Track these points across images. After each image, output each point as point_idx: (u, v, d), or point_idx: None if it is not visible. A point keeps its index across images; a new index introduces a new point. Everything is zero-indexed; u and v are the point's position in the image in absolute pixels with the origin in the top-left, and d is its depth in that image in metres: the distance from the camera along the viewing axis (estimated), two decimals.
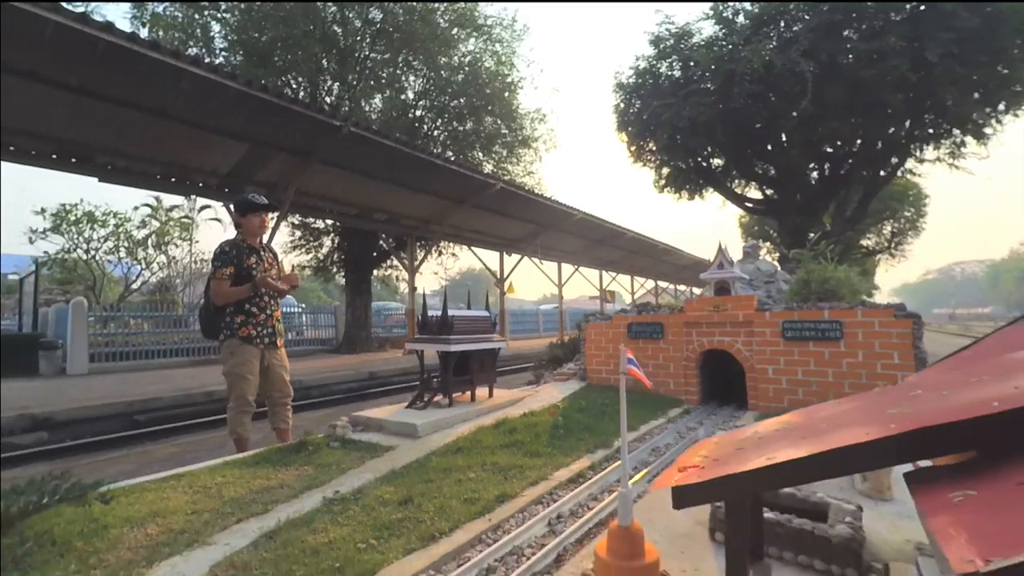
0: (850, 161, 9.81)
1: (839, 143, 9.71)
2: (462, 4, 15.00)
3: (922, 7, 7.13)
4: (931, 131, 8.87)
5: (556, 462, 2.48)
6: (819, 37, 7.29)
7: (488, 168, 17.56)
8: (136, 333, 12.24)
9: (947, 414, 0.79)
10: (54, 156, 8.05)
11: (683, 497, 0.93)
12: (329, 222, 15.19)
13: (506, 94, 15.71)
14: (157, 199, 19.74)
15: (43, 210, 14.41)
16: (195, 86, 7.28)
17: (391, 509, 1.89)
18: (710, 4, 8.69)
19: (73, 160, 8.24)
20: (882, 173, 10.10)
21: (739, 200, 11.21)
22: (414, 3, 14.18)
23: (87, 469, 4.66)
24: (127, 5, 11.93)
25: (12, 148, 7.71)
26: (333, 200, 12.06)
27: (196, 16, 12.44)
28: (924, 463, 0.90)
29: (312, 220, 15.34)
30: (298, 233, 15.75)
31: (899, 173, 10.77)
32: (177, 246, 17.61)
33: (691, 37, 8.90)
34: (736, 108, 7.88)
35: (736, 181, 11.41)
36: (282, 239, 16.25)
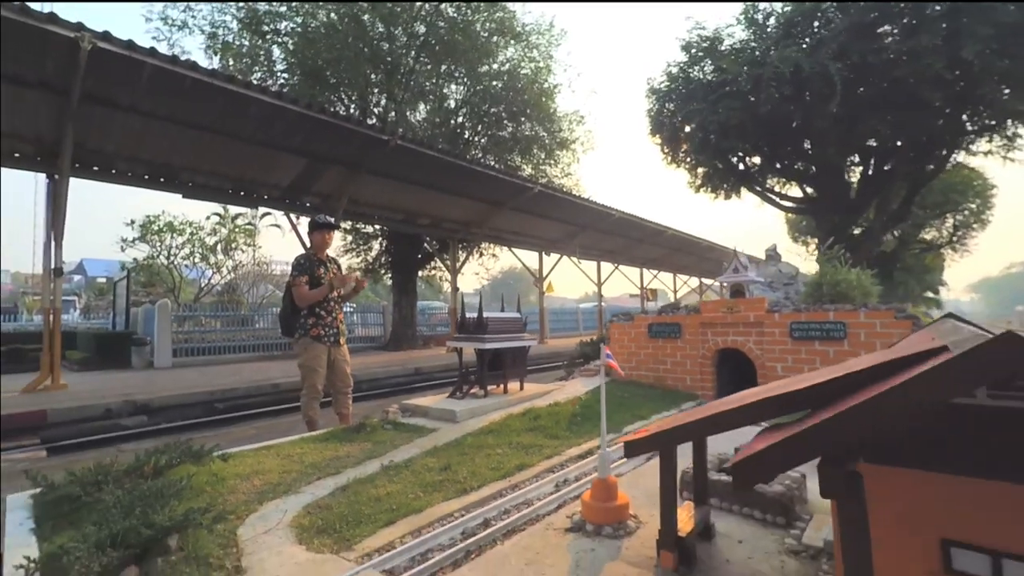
0: (891, 158, 9.50)
1: (878, 141, 9.42)
2: (501, 13, 15.50)
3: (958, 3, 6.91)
4: (977, 125, 8.47)
5: (571, 442, 2.90)
6: (850, 38, 7.20)
7: (527, 171, 18.00)
8: (210, 331, 13.61)
9: (795, 385, 1.17)
10: (146, 176, 9.22)
11: (630, 449, 1.34)
12: (377, 227, 16.14)
13: (543, 99, 16.09)
14: (224, 208, 21.56)
15: (132, 221, 16.19)
16: (262, 111, 8.18)
17: (434, 473, 2.39)
18: (741, 9, 8.73)
19: (162, 180, 9.39)
20: (930, 167, 9.69)
21: (775, 199, 11.05)
22: (455, 16, 14.83)
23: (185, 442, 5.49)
24: (202, 37, 13.13)
25: (114, 171, 8.93)
26: (381, 207, 12.90)
27: (259, 42, 13.61)
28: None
29: (362, 225, 16.32)
30: (349, 237, 16.80)
31: (947, 167, 10.27)
32: (243, 251, 19.20)
33: (721, 43, 8.95)
34: (767, 110, 7.90)
35: (775, 180, 11.27)
36: (335, 243, 17.41)
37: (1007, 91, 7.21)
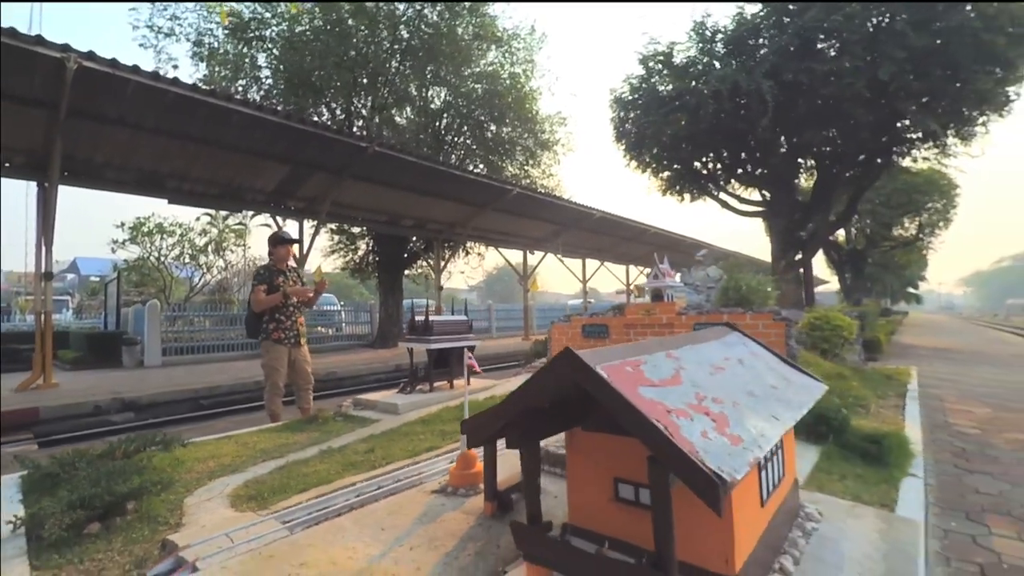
0: (835, 166, 10.01)
1: (815, 152, 9.94)
2: (482, 18, 15.87)
3: (879, 25, 7.40)
4: (906, 136, 9.00)
5: None
6: (782, 59, 7.67)
7: (511, 172, 18.43)
8: (199, 330, 14.00)
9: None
10: (135, 184, 9.61)
11: (463, 427, 1.78)
12: (363, 228, 16.55)
13: (524, 102, 16.49)
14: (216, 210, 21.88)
15: (122, 224, 16.55)
16: (243, 121, 8.58)
17: (359, 455, 2.84)
18: (692, 26, 9.19)
19: (149, 186, 9.79)
20: (871, 174, 10.23)
21: (732, 203, 11.56)
22: (437, 20, 15.20)
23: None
24: (188, 45, 13.49)
25: (103, 179, 9.31)
26: (365, 209, 13.31)
27: (245, 49, 13.96)
28: None
29: (348, 226, 16.73)
30: (336, 238, 17.20)
31: (884, 174, 10.83)
32: (232, 251, 19.58)
33: (673, 58, 9.41)
34: (714, 123, 8.37)
35: (734, 184, 11.78)
36: (322, 243, 17.83)
37: (919, 109, 7.70)
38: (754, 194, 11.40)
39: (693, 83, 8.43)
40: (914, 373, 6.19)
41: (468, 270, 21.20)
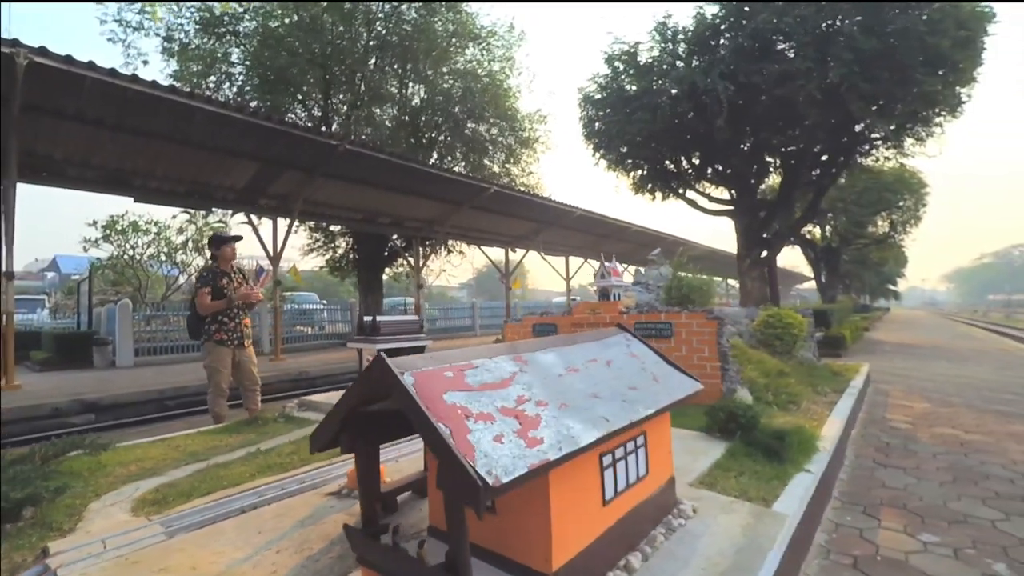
0: (798, 166, 10.18)
1: (771, 152, 10.10)
2: (460, 15, 15.82)
3: (830, 28, 7.53)
4: (864, 137, 9.17)
5: None
6: (736, 60, 7.77)
7: (494, 170, 18.44)
8: (175, 330, 13.84)
9: None
10: (98, 181, 9.47)
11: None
12: (343, 226, 16.46)
13: (503, 100, 16.49)
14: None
15: (95, 222, 16.30)
16: (208, 118, 8.49)
17: (282, 457, 2.86)
18: (655, 27, 9.26)
19: (113, 184, 9.65)
20: (831, 172, 10.42)
21: (699, 202, 11.72)
22: (415, 16, 15.12)
23: (118, 437, 5.90)
24: (158, 40, 13.29)
25: (64, 176, 9.16)
26: (340, 207, 13.23)
27: (217, 44, 13.77)
28: None
29: (325, 224, 16.64)
30: (316, 236, 17.09)
31: (843, 173, 11.05)
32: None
33: (637, 57, 9.48)
34: (677, 123, 8.46)
35: (705, 184, 11.92)
36: (300, 242, 17.69)
37: (867, 110, 7.85)
38: (724, 193, 11.54)
39: (657, 82, 8.50)
40: (864, 370, 6.32)
41: (450, 268, 21.20)
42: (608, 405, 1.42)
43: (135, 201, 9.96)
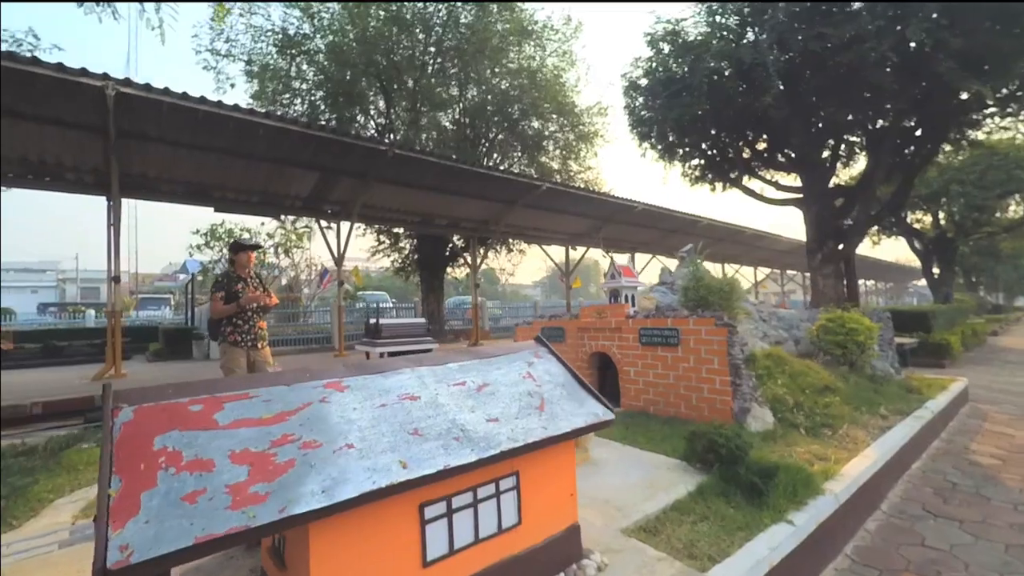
0: (874, 145, 8.56)
1: (838, 130, 8.52)
2: (516, 13, 15.72)
3: None
4: (963, 104, 7.41)
5: None
6: (787, 28, 6.62)
7: (553, 166, 18.17)
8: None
9: None
10: (185, 194, 10.63)
11: None
12: (406, 229, 17.10)
13: (561, 95, 16.12)
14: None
15: (198, 230, 18.47)
16: (269, 132, 9.16)
17: None
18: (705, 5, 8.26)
19: (197, 196, 10.79)
20: (929, 147, 8.59)
21: (758, 194, 10.33)
22: (471, 20, 15.28)
23: None
24: (242, 64, 14.65)
25: (158, 192, 10.41)
26: (396, 210, 13.71)
27: (291, 65, 14.93)
28: None
29: (386, 227, 17.39)
30: (382, 239, 17.97)
31: (942, 150, 9.05)
32: (294, 253, 21.12)
33: (681, 37, 8.54)
34: (727, 104, 7.50)
35: (768, 170, 10.55)
36: (367, 244, 18.66)
37: (961, 70, 6.24)
38: (792, 179, 10.17)
39: (703, 60, 7.61)
40: (956, 386, 5.20)
41: (519, 266, 21.27)
42: (426, 444, 1.19)
43: (215, 211, 11.04)
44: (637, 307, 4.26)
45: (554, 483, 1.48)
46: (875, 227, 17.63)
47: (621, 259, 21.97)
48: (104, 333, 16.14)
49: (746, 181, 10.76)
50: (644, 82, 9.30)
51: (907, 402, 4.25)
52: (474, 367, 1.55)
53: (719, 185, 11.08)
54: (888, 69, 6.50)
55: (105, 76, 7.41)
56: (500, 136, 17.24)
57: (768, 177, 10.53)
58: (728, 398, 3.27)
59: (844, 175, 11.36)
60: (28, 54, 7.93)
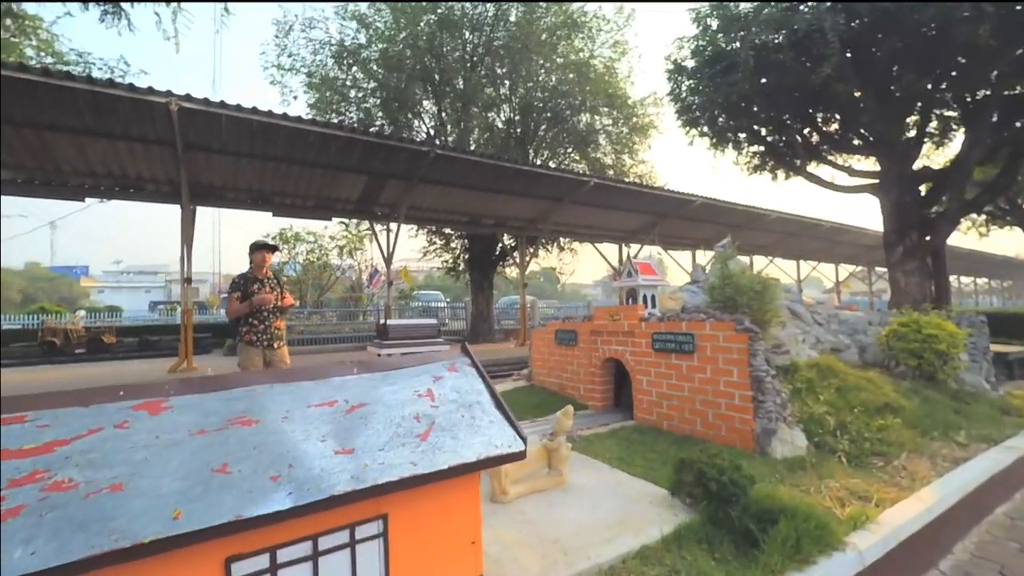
0: (970, 116, 7.07)
1: (925, 102, 7.07)
2: (563, 6, 15.35)
3: None
4: None
5: None
6: None
7: (606, 161, 17.57)
8: (321, 324, 16.11)
9: None
10: (246, 201, 11.38)
11: None
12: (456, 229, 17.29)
13: (611, 90, 15.52)
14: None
15: (268, 234, 19.84)
16: (320, 140, 9.56)
17: None
18: None
19: (258, 202, 11.50)
20: None
21: (834, 178, 9.01)
22: (519, 18, 15.13)
23: None
24: (303, 77, 15.50)
25: (228, 197, 11.22)
26: (443, 211, 13.84)
27: (347, 73, 15.58)
28: None
29: (435, 227, 17.65)
30: (433, 239, 18.30)
31: None
32: (355, 255, 22.11)
33: (727, 10, 7.60)
34: (778, 79, 6.56)
35: (838, 154, 9.22)
36: (419, 244, 19.05)
37: None
38: (866, 163, 8.85)
39: (756, 32, 6.71)
40: None
41: (562, 265, 20.95)
42: (227, 485, 0.97)
43: (273, 216, 11.71)
44: (659, 309, 3.82)
45: (444, 529, 1.22)
46: (980, 216, 15.21)
47: (682, 257, 20.81)
48: (200, 328, 17.82)
49: (814, 168, 9.56)
50: (691, 64, 8.55)
51: (999, 427, 3.46)
52: (359, 383, 1.33)
53: (780, 173, 9.98)
54: (985, 25, 5.35)
55: (168, 93, 8.03)
56: (551, 134, 16.93)
57: (840, 162, 9.28)
58: (748, 416, 2.79)
59: (935, 157, 9.79)
60: (121, 79, 8.82)
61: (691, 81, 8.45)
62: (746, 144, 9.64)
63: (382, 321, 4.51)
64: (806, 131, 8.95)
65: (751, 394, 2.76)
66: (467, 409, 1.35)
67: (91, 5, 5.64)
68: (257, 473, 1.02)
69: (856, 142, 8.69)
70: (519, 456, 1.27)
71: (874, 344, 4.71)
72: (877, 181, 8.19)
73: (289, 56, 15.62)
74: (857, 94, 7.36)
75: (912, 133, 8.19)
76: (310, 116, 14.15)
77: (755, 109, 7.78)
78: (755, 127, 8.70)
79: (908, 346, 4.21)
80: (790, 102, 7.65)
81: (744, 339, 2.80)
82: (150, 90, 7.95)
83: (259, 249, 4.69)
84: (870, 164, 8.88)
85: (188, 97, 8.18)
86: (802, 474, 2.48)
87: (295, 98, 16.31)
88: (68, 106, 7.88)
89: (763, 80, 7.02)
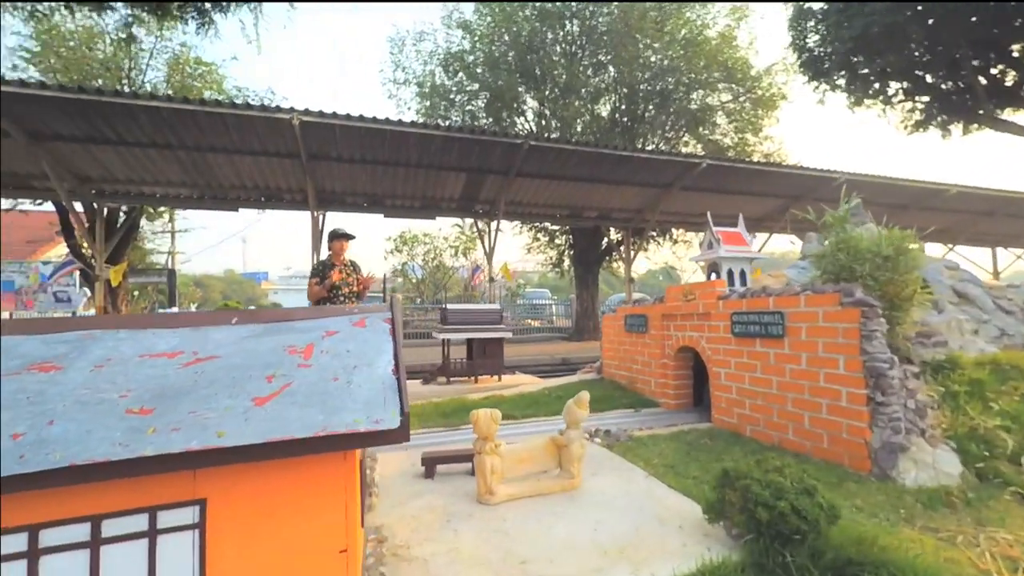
0: None
1: None
2: None
3: None
4: None
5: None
6: None
7: (726, 142, 15.87)
8: (433, 320, 17.02)
9: None
10: (361, 205, 12.41)
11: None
12: (561, 225, 16.97)
13: (729, 63, 13.85)
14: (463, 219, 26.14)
15: (390, 237, 21.64)
16: (418, 140, 10.02)
17: None
18: None
19: (371, 205, 12.48)
20: None
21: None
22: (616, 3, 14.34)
23: None
24: (415, 87, 16.54)
25: (347, 202, 12.37)
26: (543, 205, 13.62)
27: (453, 79, 16.26)
28: None
29: (539, 223, 17.48)
30: (537, 236, 18.22)
31: None
32: (468, 254, 23.05)
33: None
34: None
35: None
36: (523, 241, 19.07)
37: None
38: None
39: None
40: None
41: (679, 262, 19.42)
42: None
43: (384, 217, 12.59)
44: (751, 286, 3.05)
45: (298, 530, 0.92)
46: None
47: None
48: None
49: (1008, 114, 7.12)
50: (818, 6, 7.00)
51: None
52: (225, 333, 1.10)
53: (955, 127, 7.69)
54: None
55: (291, 109, 9.03)
56: (661, 117, 15.73)
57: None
58: (862, 424, 1.98)
59: None
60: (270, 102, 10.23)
61: (817, 25, 6.93)
62: (901, 95, 7.63)
63: (441, 307, 4.39)
64: (993, 70, 6.72)
65: (865, 393, 1.96)
66: (348, 372, 1.05)
67: (190, 20, 6.52)
68: (6, 428, 0.84)
69: None
70: (387, 437, 0.93)
71: None
72: None
73: (403, 70, 16.78)
74: None
75: None
76: (384, 118, 15.01)
77: (911, 46, 6.03)
78: (911, 68, 6.79)
79: None
80: (965, 29, 5.73)
81: (854, 316, 1.99)
82: (277, 108, 9.01)
83: (337, 238, 4.92)
84: None
85: (307, 111, 9.11)
86: (947, 513, 1.68)
87: (409, 109, 17.45)
88: (219, 129, 9.27)
89: (919, 6, 5.38)
